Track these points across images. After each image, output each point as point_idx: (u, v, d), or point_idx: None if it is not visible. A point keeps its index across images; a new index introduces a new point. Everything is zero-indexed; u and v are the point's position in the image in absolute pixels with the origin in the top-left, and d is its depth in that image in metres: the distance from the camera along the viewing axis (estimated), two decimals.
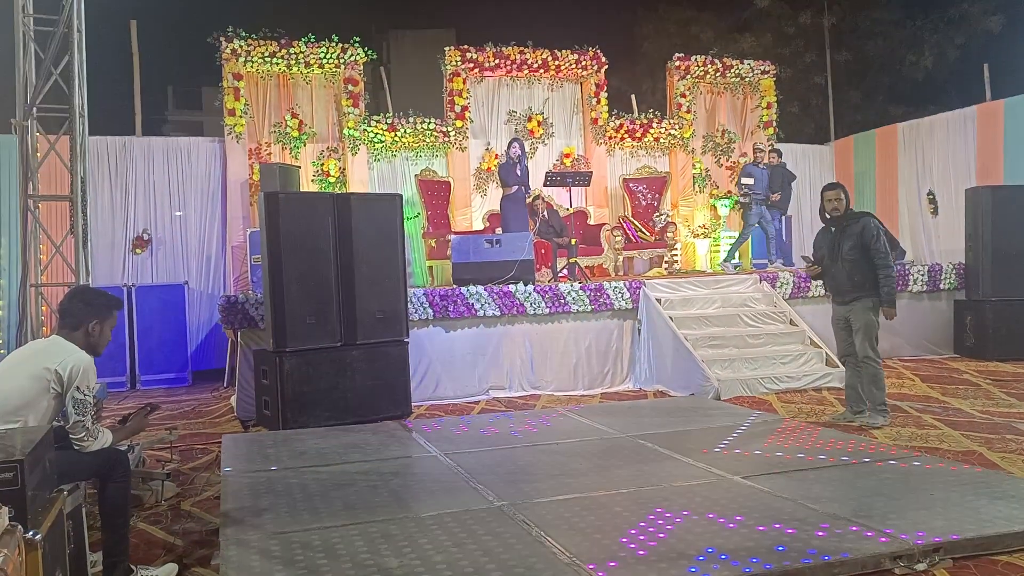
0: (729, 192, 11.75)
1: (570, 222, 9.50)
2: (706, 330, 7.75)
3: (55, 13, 6.41)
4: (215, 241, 9.80)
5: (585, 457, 4.87)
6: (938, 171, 11.11)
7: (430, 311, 7.23)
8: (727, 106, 11.96)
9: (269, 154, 9.86)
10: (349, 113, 10.04)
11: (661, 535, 3.39)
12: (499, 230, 9.32)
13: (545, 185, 9.37)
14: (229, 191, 9.74)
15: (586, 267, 9.68)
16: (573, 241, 9.20)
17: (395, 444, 5.39)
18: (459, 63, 10.52)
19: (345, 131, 10.06)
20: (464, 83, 10.57)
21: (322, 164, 10.11)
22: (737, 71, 11.79)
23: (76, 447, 3.17)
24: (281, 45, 9.78)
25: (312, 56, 9.90)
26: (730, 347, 7.62)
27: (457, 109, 10.51)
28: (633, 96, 12.47)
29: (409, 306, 6.86)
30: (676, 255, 10.77)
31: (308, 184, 9.93)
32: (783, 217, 10.67)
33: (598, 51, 11.02)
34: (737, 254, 10.21)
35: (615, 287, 7.84)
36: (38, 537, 2.24)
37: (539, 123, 10.99)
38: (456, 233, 9.35)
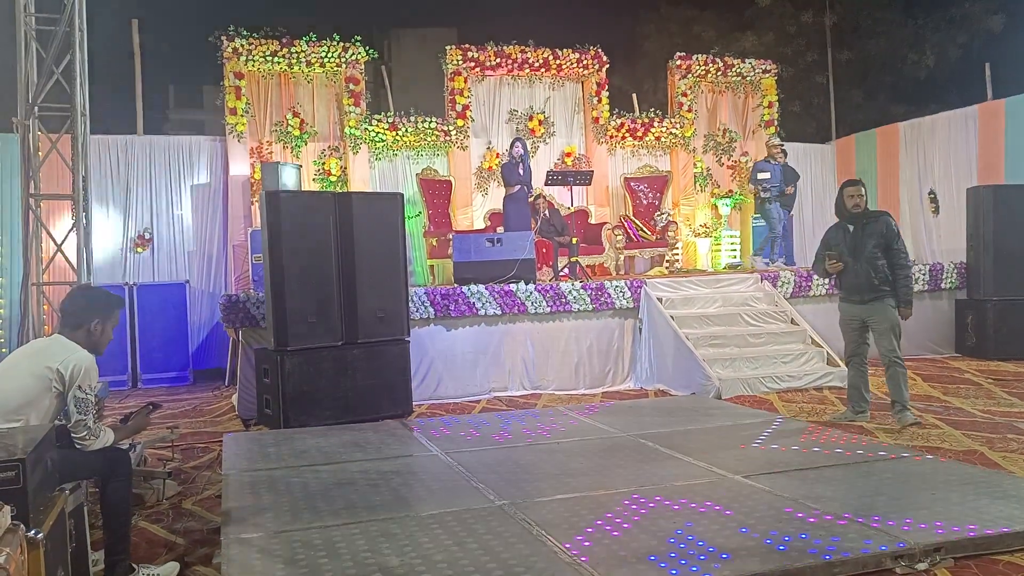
0: (731, 191, 11.75)
1: (571, 221, 9.50)
2: (707, 329, 7.75)
3: (57, 12, 6.42)
4: (216, 240, 9.82)
5: (586, 456, 4.87)
6: (939, 170, 11.10)
7: (431, 310, 7.23)
8: (728, 105, 11.96)
9: (270, 153, 9.87)
10: (350, 112, 10.05)
11: (662, 534, 3.39)
12: (500, 229, 9.32)
13: (546, 184, 9.37)
14: (230, 190, 9.75)
15: (587, 266, 9.69)
16: (574, 240, 9.20)
17: (396, 443, 5.39)
18: (460, 62, 10.52)
19: (346, 130, 10.07)
20: (465, 82, 10.57)
21: (323, 163, 10.12)
22: (738, 70, 11.79)
23: (78, 446, 3.17)
24: (282, 44, 9.79)
25: (313, 55, 9.91)
26: (731, 346, 7.62)
27: (458, 108, 10.52)
28: (634, 95, 12.48)
29: (410, 305, 6.87)
30: (677, 254, 10.78)
31: (309, 183, 9.94)
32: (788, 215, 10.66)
33: (599, 50, 11.02)
34: (769, 248, 9.93)
35: (616, 286, 7.84)
36: (40, 536, 2.25)
37: (540, 122, 11.00)
38: (457, 232, 9.36)
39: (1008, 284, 8.65)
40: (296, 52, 9.84)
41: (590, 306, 7.73)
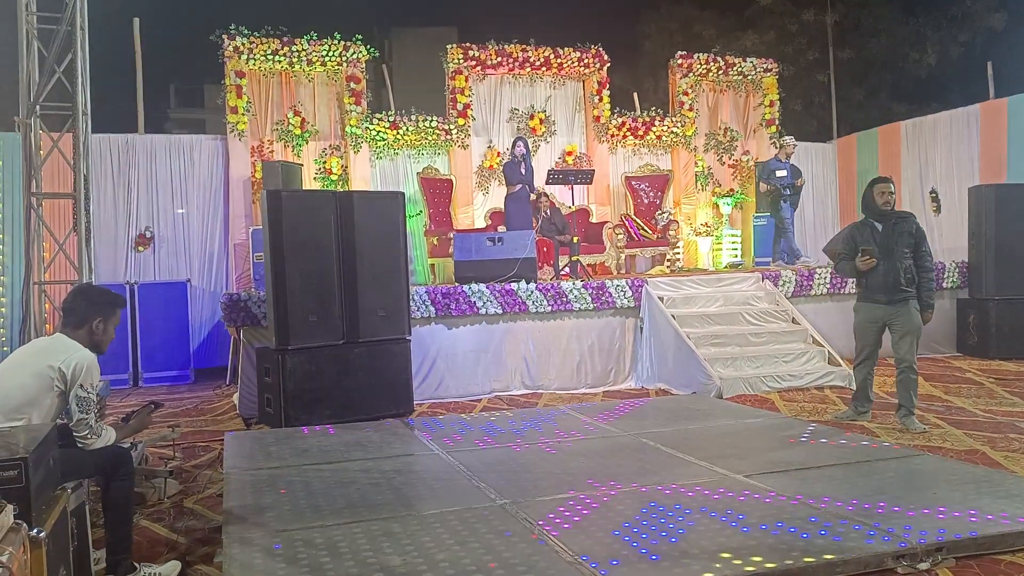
0: (732, 190, 11.74)
1: (572, 220, 9.50)
2: (708, 328, 7.75)
3: (58, 11, 6.42)
4: (217, 239, 9.81)
5: (587, 455, 4.87)
6: (941, 169, 11.09)
7: (432, 309, 7.23)
8: (729, 104, 11.95)
9: (271, 152, 9.87)
10: (351, 111, 10.05)
11: (663, 533, 3.39)
12: (501, 228, 9.32)
13: (547, 183, 9.37)
14: (231, 189, 9.74)
15: (588, 265, 9.68)
16: (575, 239, 9.20)
17: (397, 442, 5.39)
18: (461, 61, 10.51)
19: (347, 129, 10.07)
20: (466, 81, 10.57)
21: (324, 162, 10.12)
22: (739, 69, 11.78)
23: (80, 445, 3.18)
24: (283, 43, 9.79)
25: (314, 54, 9.90)
26: (732, 345, 7.62)
27: (459, 107, 10.51)
28: (635, 94, 12.47)
29: (411, 304, 6.86)
30: (678, 253, 10.77)
31: (310, 182, 9.94)
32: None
33: (600, 49, 11.01)
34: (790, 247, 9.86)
35: (617, 285, 7.84)
36: (42, 535, 2.25)
37: (541, 121, 10.99)
38: (458, 231, 9.36)
39: (1010, 283, 8.65)
40: (297, 51, 9.83)
41: (591, 305, 7.73)
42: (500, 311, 7.45)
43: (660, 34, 19.00)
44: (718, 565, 3.04)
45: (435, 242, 9.87)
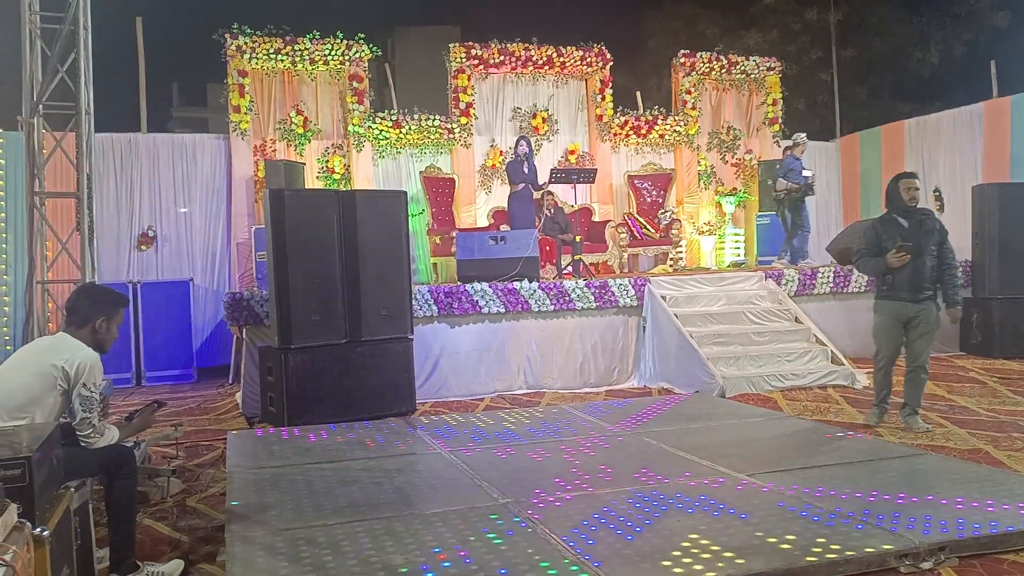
0: (735, 189, 11.73)
1: (575, 219, 9.49)
2: (711, 327, 7.74)
3: (61, 11, 6.43)
4: (220, 238, 9.83)
5: (590, 454, 4.87)
6: (944, 168, 11.06)
7: (435, 308, 7.23)
8: (732, 103, 11.94)
9: (274, 151, 9.88)
10: (354, 110, 10.05)
11: (666, 533, 3.39)
12: (504, 227, 9.32)
13: (550, 182, 9.36)
14: (234, 188, 9.75)
15: (591, 264, 9.67)
16: (578, 238, 9.19)
17: (400, 441, 5.40)
18: (464, 60, 10.51)
19: (350, 128, 10.07)
20: (469, 80, 10.56)
21: (327, 161, 10.12)
22: (743, 68, 11.76)
23: (83, 444, 3.18)
24: (286, 42, 9.79)
25: (317, 53, 9.91)
26: (735, 344, 7.61)
27: (462, 106, 10.51)
28: (638, 93, 12.45)
29: (414, 303, 6.87)
30: (681, 252, 10.76)
31: (313, 181, 9.94)
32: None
33: (603, 48, 11.00)
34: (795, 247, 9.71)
35: (620, 284, 7.83)
36: (46, 533, 2.25)
37: (544, 120, 10.99)
38: (461, 230, 9.35)
39: (1013, 282, 8.62)
40: (299, 50, 9.84)
41: (594, 304, 7.73)
42: (503, 310, 7.45)
43: (663, 33, 18.96)
44: (721, 564, 3.04)
45: (438, 241, 9.87)
